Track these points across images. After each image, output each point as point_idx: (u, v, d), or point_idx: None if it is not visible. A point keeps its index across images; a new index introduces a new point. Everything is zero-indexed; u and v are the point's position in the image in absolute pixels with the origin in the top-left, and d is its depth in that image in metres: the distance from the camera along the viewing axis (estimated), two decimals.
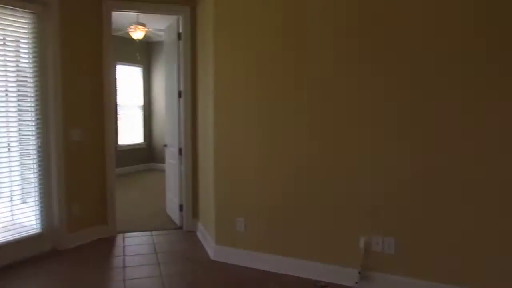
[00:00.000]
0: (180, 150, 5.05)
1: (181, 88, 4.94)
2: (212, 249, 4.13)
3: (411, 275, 3.25)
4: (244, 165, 3.88)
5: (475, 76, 2.98)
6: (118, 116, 9.05)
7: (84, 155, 4.55)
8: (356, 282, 3.40)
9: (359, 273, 3.39)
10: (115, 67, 5.09)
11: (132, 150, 9.65)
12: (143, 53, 9.83)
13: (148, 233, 4.97)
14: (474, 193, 3.02)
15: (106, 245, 4.51)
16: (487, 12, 2.93)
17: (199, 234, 4.84)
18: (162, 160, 9.21)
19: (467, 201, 3.04)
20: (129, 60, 9.41)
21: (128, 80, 9.51)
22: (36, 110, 4.16)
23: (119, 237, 4.78)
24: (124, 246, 4.48)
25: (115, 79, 4.95)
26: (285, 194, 3.70)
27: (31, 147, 4.14)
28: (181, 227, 5.16)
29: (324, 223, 3.55)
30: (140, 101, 9.86)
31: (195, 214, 5.04)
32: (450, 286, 3.11)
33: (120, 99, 9.06)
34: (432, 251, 3.17)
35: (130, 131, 9.66)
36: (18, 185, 4.07)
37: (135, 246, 4.49)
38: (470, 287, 3.05)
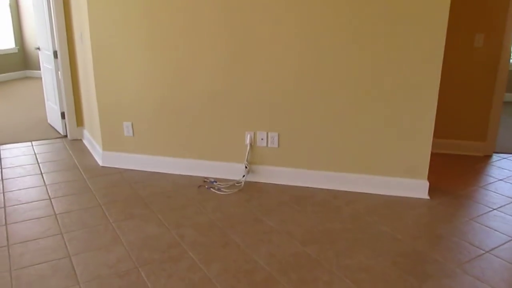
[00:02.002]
0: (55, 53, 4.62)
1: None
2: (100, 156, 4.02)
3: (292, 166, 3.52)
4: (126, 68, 3.68)
5: None
6: None
7: None
8: (243, 176, 3.60)
9: (246, 167, 3.58)
10: None
11: (1, 56, 8.62)
12: None
13: (27, 143, 4.66)
14: (345, 94, 3.25)
15: None
16: None
17: (85, 142, 4.66)
18: (39, 67, 8.40)
19: (339, 99, 3.27)
20: None
21: None
22: None
23: None
24: (0, 159, 4.17)
25: None
26: (171, 96, 3.64)
27: None
28: (65, 136, 4.91)
29: (210, 122, 3.61)
30: None
31: (79, 121, 4.79)
32: (324, 172, 3.45)
33: None
34: (311, 144, 3.43)
35: None
36: None
37: (13, 158, 4.20)
38: (337, 171, 3.42)
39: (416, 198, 3.30)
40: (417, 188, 3.31)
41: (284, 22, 3.22)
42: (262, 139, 3.52)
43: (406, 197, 3.32)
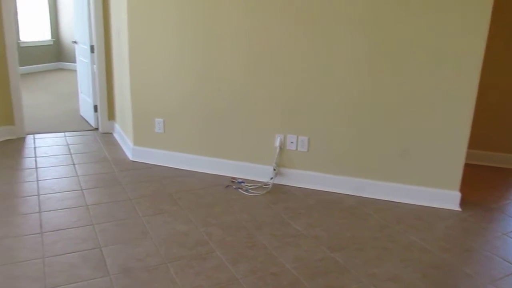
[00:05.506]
0: (92, 48, 4.71)
1: None
2: (130, 150, 4.09)
3: (320, 171, 3.50)
4: (161, 65, 3.73)
5: None
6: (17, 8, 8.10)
7: None
8: (271, 178, 3.60)
9: (274, 169, 3.58)
10: None
11: (37, 47, 8.84)
12: None
13: (61, 134, 4.77)
14: (378, 97, 3.21)
15: (15, 146, 4.28)
16: None
17: (116, 136, 4.74)
18: (72, 59, 8.58)
19: (372, 106, 3.24)
20: None
21: None
22: None
23: (29, 139, 4.53)
24: (35, 148, 4.28)
25: None
26: (204, 95, 3.66)
27: None
28: (96, 129, 5.00)
29: (241, 123, 3.62)
30: None
31: (111, 115, 4.88)
32: (352, 179, 3.41)
33: None
34: (340, 150, 3.40)
35: (34, 26, 8.75)
36: None
37: (47, 148, 4.31)
38: (366, 178, 3.39)
39: (447, 209, 3.24)
40: (448, 199, 3.25)
41: (309, 22, 3.21)
42: (292, 142, 3.51)
43: (437, 208, 3.26)
